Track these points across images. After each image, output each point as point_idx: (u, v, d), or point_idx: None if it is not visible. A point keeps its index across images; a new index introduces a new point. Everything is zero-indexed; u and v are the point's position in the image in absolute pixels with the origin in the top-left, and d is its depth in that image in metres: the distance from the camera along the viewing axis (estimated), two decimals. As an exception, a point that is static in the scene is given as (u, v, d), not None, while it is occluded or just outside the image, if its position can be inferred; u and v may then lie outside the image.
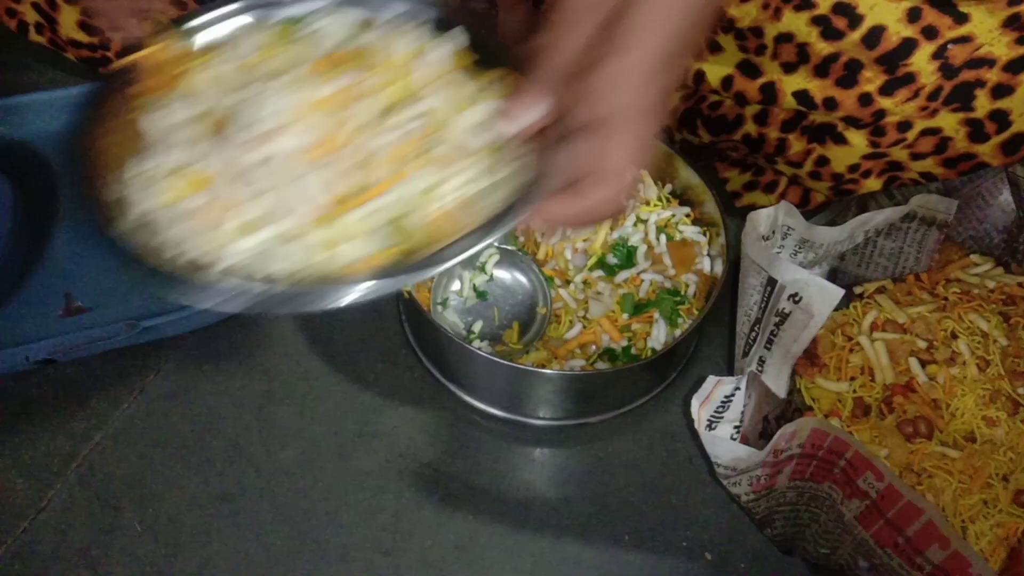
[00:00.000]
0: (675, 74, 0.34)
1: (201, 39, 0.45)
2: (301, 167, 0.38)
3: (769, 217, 0.55)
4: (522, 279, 0.59)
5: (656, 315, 0.56)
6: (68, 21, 0.69)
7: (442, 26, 0.42)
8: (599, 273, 0.58)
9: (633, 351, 0.55)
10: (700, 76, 0.59)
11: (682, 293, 0.57)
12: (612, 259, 0.59)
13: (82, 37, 0.70)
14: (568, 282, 0.58)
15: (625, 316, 0.56)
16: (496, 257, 0.59)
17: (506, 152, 0.38)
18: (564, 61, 0.35)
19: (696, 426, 0.49)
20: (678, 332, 0.56)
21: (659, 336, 0.55)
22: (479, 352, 0.52)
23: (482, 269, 0.59)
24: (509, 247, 0.59)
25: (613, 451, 0.56)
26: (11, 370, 0.57)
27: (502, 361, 0.52)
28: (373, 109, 0.39)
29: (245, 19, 0.45)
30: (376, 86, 0.39)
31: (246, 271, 0.37)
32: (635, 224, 0.60)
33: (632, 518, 0.53)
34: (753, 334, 0.53)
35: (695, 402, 0.50)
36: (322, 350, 0.59)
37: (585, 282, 0.58)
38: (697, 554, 0.52)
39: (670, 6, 0.33)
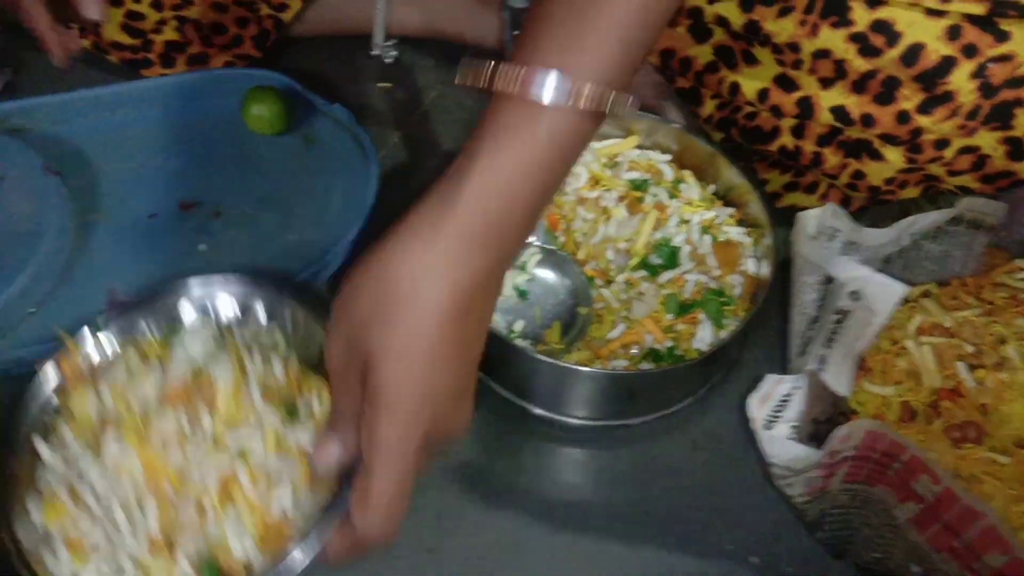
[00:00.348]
0: (436, 409, 0.38)
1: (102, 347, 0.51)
2: (133, 505, 0.43)
3: (816, 218, 0.55)
4: (563, 278, 0.59)
5: (701, 316, 0.56)
6: (111, 24, 0.70)
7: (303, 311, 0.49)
8: (642, 273, 0.58)
9: (677, 352, 0.55)
10: (735, 88, 0.59)
11: (727, 294, 0.57)
12: (655, 259, 0.58)
13: (124, 39, 0.71)
14: (610, 282, 0.58)
15: (669, 316, 0.56)
16: (537, 256, 0.59)
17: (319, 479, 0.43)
18: (350, 410, 0.39)
19: (752, 425, 0.48)
20: (724, 333, 0.55)
21: (705, 337, 0.55)
22: (522, 348, 0.52)
23: (523, 268, 0.59)
24: (550, 246, 0.59)
25: (657, 453, 0.55)
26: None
27: (545, 359, 0.52)
28: (200, 443, 0.45)
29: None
30: (208, 420, 0.45)
31: None
32: (678, 224, 0.60)
33: (675, 521, 0.52)
34: (810, 332, 0.52)
35: (753, 401, 0.50)
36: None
37: (627, 282, 0.58)
38: (742, 557, 0.51)
39: (404, 379, 0.36)
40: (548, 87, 0.35)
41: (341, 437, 0.40)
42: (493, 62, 0.37)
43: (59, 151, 0.67)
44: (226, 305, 0.53)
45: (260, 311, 0.52)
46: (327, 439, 0.41)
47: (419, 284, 0.36)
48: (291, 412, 0.46)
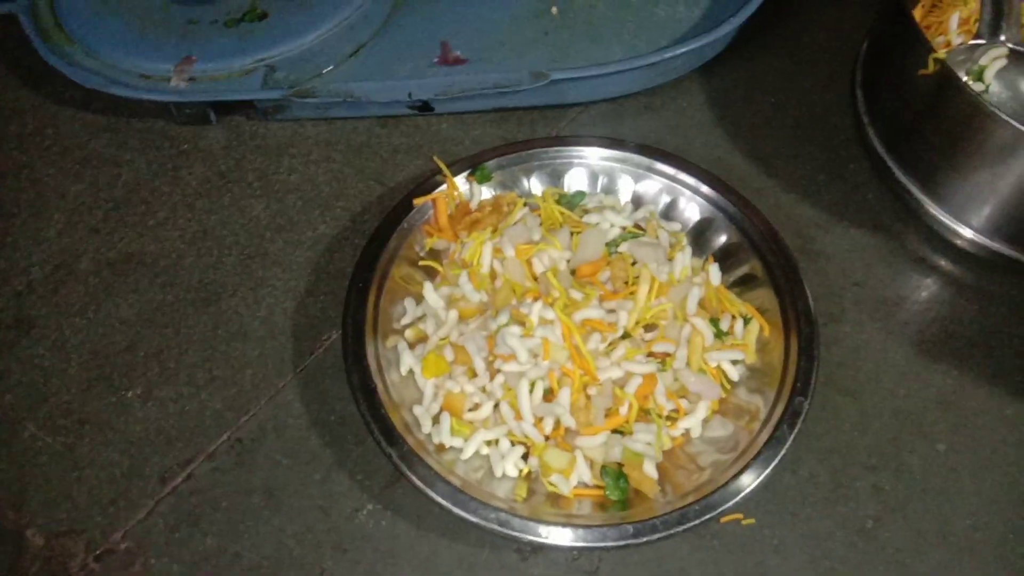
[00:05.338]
0: None
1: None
2: (536, 394, 0.39)
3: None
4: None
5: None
6: None
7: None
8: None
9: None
10: None
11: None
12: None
13: None
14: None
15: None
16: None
17: None
18: None
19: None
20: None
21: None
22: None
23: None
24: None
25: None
26: (392, 101, 0.56)
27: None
28: (619, 340, 0.39)
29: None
30: (625, 314, 0.40)
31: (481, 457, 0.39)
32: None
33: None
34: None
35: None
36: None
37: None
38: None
39: None
40: None
41: None
42: None
43: None
44: (628, 183, 0.46)
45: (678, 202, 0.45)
46: None
47: None
48: (718, 330, 0.41)
